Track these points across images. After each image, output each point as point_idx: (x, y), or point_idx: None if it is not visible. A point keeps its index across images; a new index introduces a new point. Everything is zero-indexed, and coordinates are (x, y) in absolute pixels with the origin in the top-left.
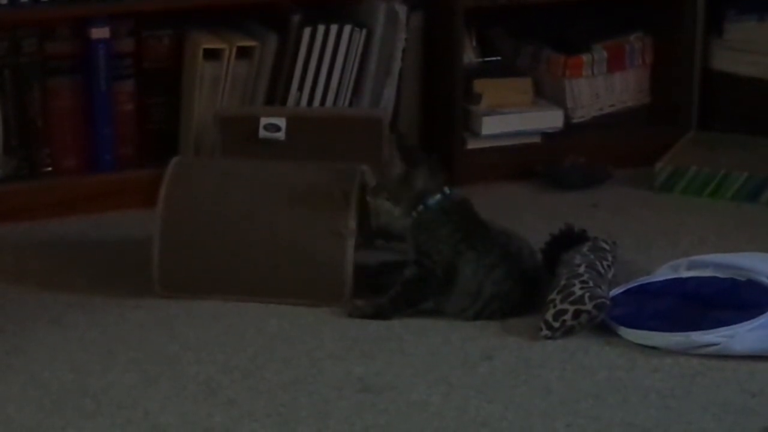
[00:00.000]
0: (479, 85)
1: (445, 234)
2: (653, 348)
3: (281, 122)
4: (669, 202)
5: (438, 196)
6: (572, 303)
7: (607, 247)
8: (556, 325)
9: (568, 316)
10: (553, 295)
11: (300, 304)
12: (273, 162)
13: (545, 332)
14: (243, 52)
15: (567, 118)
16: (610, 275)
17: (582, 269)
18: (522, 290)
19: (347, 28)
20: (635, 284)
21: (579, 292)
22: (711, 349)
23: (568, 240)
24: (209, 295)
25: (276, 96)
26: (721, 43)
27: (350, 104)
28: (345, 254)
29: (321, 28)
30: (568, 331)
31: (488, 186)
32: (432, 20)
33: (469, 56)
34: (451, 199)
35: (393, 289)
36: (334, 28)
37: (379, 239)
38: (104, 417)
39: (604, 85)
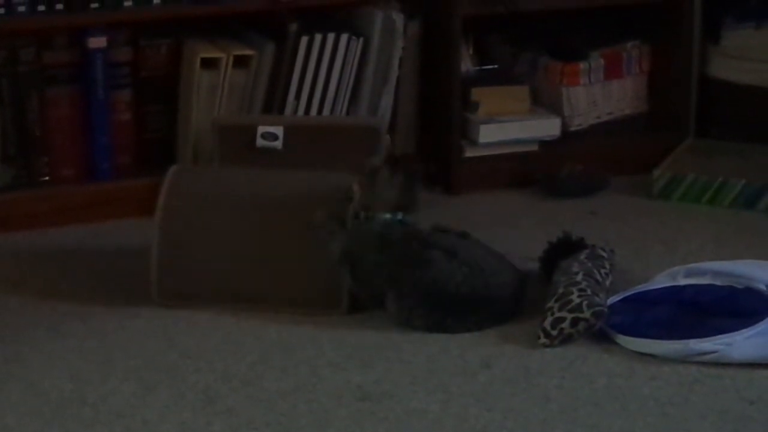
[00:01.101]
0: (476, 93)
1: (372, 264)
2: (651, 356)
3: (278, 131)
4: (667, 210)
5: (386, 216)
6: (570, 311)
7: (605, 255)
8: (554, 333)
9: (566, 324)
10: (551, 303)
11: (298, 312)
12: (270, 170)
13: (543, 340)
14: (240, 61)
15: (564, 125)
16: (607, 283)
17: (580, 277)
18: (454, 319)
19: (344, 37)
20: (633, 292)
21: (577, 300)
22: (709, 357)
23: (565, 248)
24: (208, 303)
25: (273, 105)
26: (718, 51)
27: (347, 113)
28: None
29: (318, 37)
30: (566, 339)
31: (486, 194)
32: (429, 28)
33: (467, 64)
34: (396, 227)
35: None
36: (331, 36)
37: None
38: (103, 426)
39: (601, 93)
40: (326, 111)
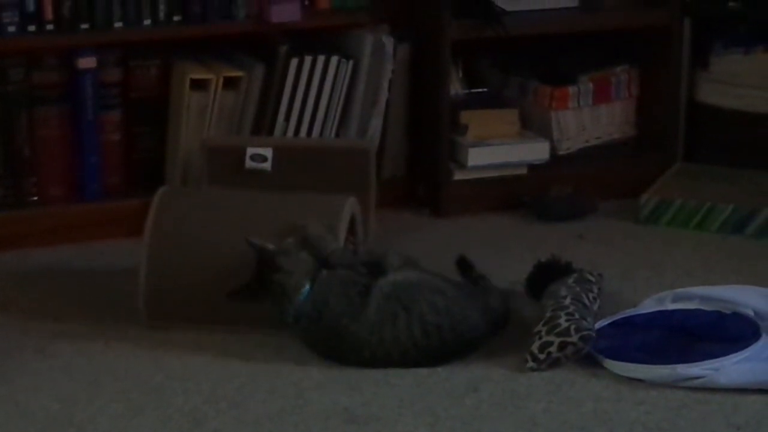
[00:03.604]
0: (466, 116)
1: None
2: (639, 380)
3: (268, 152)
4: (655, 234)
5: (306, 290)
6: (558, 335)
7: (593, 279)
8: (542, 357)
9: (553, 348)
10: (538, 327)
11: (286, 334)
12: (259, 192)
13: (531, 364)
14: (230, 83)
15: (553, 149)
16: (595, 307)
17: (568, 301)
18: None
19: (334, 59)
20: (621, 316)
21: (565, 324)
22: (696, 382)
23: (553, 271)
24: (195, 325)
25: (263, 126)
26: (706, 76)
27: (337, 135)
28: None
29: (308, 59)
30: (553, 363)
31: (474, 217)
32: (419, 52)
33: (456, 87)
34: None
35: None
36: (321, 58)
37: None
38: None
39: (590, 117)
40: (315, 133)
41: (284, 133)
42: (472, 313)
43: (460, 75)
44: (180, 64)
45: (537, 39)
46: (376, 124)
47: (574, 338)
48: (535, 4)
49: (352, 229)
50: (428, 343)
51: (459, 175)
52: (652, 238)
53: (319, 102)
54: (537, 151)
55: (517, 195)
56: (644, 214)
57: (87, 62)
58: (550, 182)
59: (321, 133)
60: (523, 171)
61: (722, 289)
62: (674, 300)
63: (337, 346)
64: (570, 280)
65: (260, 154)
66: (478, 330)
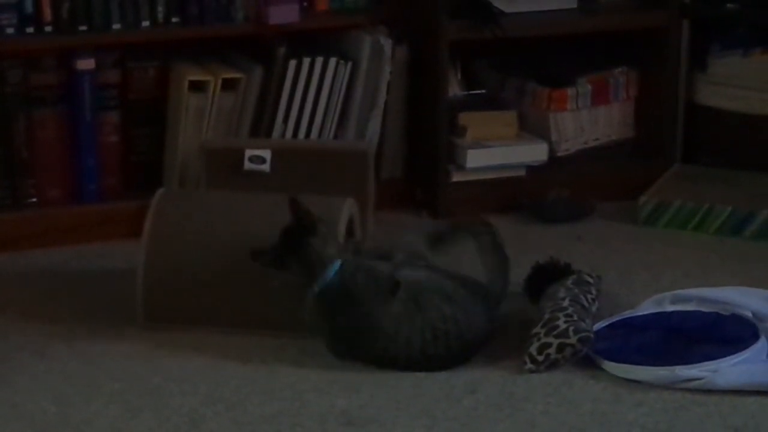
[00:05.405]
0: (464, 118)
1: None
2: (637, 382)
3: (266, 154)
4: (653, 236)
5: (336, 264)
6: (557, 336)
7: (591, 281)
8: (541, 358)
9: (552, 350)
10: (537, 329)
11: (284, 336)
12: (258, 194)
13: (529, 366)
14: (228, 84)
15: (551, 151)
16: (594, 309)
17: (566, 303)
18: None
19: (332, 61)
20: (619, 318)
21: (563, 326)
22: (695, 384)
23: (552, 273)
24: (193, 326)
25: (261, 128)
26: (705, 78)
27: (335, 137)
28: None
29: (306, 61)
30: (552, 365)
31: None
32: (417, 53)
33: (454, 89)
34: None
35: None
36: (319, 60)
37: None
38: None
39: (588, 119)
40: (314, 135)
41: (283, 134)
42: (477, 318)
43: (459, 77)
44: (178, 65)
45: (535, 40)
46: (374, 125)
47: (573, 340)
48: (533, 5)
49: (350, 231)
50: (435, 350)
51: (457, 177)
52: (650, 239)
53: (318, 104)
54: (535, 152)
55: (516, 197)
56: (643, 215)
57: (85, 64)
58: (549, 184)
59: (319, 135)
60: (522, 173)
61: (720, 290)
62: (673, 302)
63: (353, 332)
64: (568, 282)
65: (259, 156)
66: (482, 334)
